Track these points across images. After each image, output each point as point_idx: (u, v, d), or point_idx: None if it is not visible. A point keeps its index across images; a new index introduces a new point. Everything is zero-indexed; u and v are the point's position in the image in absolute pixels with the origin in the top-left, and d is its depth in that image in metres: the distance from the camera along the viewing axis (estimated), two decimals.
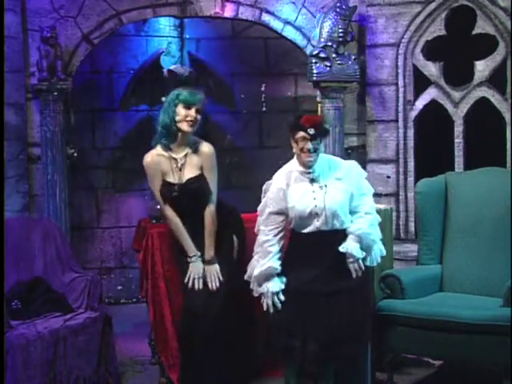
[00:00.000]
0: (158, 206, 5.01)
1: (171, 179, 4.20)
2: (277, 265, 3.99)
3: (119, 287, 6.69)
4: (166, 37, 6.73)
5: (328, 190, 3.96)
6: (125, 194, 6.75)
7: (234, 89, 6.73)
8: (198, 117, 4.16)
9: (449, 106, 5.94)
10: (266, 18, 6.13)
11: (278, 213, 4.01)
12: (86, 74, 6.38)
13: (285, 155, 6.73)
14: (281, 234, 4.04)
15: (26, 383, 4.23)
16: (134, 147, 6.46)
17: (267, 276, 3.98)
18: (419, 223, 4.94)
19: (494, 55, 5.79)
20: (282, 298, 3.95)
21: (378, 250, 4.08)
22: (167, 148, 4.19)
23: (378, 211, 4.29)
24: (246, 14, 6.14)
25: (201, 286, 4.17)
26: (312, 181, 3.99)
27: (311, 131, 3.93)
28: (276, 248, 4.01)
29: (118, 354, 4.74)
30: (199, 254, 4.22)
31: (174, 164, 4.19)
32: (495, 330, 4.07)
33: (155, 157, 4.20)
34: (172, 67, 6.42)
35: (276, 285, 3.97)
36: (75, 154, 6.03)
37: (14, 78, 5.74)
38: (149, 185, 4.32)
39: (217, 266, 4.21)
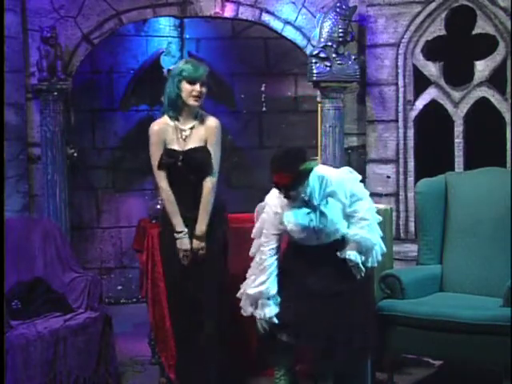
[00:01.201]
0: (159, 206, 5.02)
1: (176, 147, 4.17)
2: (275, 289, 3.97)
3: (119, 287, 6.70)
4: (166, 37, 6.74)
5: (322, 210, 3.91)
6: (125, 193, 6.76)
7: (234, 89, 6.73)
8: (204, 90, 4.14)
9: (449, 106, 5.94)
10: (265, 18, 6.13)
11: (276, 234, 3.99)
12: (86, 74, 6.38)
13: None
14: (278, 255, 4.02)
15: (26, 383, 4.23)
16: (134, 147, 6.47)
17: (264, 297, 3.95)
18: (419, 223, 4.94)
19: (494, 55, 5.79)
20: (276, 321, 3.94)
21: (379, 249, 4.08)
22: (175, 119, 4.18)
23: (378, 211, 4.28)
24: (246, 13, 6.14)
25: (185, 262, 4.14)
26: (305, 202, 3.92)
27: (280, 190, 3.89)
28: (273, 268, 3.98)
29: (118, 354, 4.74)
30: (186, 230, 4.16)
31: (180, 134, 4.17)
32: (495, 330, 4.07)
33: (161, 125, 4.18)
34: (172, 67, 6.42)
35: (272, 309, 3.96)
36: (75, 154, 6.03)
37: (14, 78, 5.74)
38: (150, 154, 4.21)
39: (204, 244, 4.16)
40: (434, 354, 4.51)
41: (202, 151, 4.16)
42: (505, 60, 5.75)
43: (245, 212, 4.65)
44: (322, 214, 3.91)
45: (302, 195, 3.88)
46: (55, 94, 5.70)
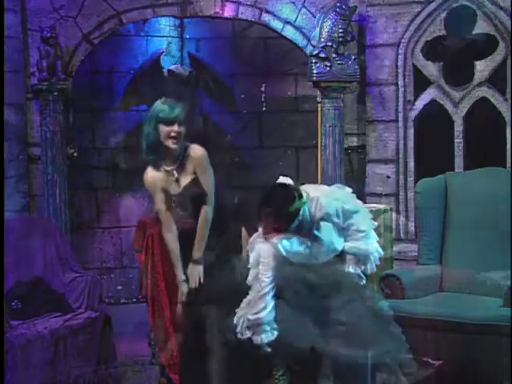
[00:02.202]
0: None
1: (172, 191, 4.19)
2: (273, 315, 3.96)
3: (119, 287, 6.69)
4: (166, 37, 6.73)
5: (316, 235, 3.86)
6: (125, 194, 6.75)
7: (233, 89, 6.73)
8: (182, 129, 4.10)
9: (449, 106, 5.94)
10: (265, 17, 6.13)
11: (272, 262, 3.95)
12: (86, 74, 6.38)
13: (285, 155, 6.81)
14: (275, 282, 3.97)
15: (26, 383, 4.24)
16: (134, 147, 6.47)
17: (263, 323, 3.94)
18: (419, 223, 4.94)
19: (494, 55, 5.79)
20: (269, 350, 3.95)
21: (377, 254, 4.06)
22: (157, 164, 4.16)
23: (378, 211, 4.27)
24: (246, 13, 6.14)
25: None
26: (298, 231, 3.87)
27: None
28: (272, 295, 3.96)
29: (118, 354, 4.75)
30: (185, 278, 4.21)
31: (171, 176, 4.17)
32: (495, 329, 4.07)
33: (153, 173, 4.18)
34: (172, 67, 6.42)
35: (268, 335, 3.96)
36: (75, 154, 6.03)
37: (13, 78, 5.74)
38: (154, 201, 4.29)
39: (201, 268, 4.19)
40: (434, 354, 4.51)
41: (193, 186, 4.16)
42: (505, 60, 5.75)
43: None
44: (317, 238, 3.87)
45: (295, 224, 3.84)
46: (55, 93, 5.70)
